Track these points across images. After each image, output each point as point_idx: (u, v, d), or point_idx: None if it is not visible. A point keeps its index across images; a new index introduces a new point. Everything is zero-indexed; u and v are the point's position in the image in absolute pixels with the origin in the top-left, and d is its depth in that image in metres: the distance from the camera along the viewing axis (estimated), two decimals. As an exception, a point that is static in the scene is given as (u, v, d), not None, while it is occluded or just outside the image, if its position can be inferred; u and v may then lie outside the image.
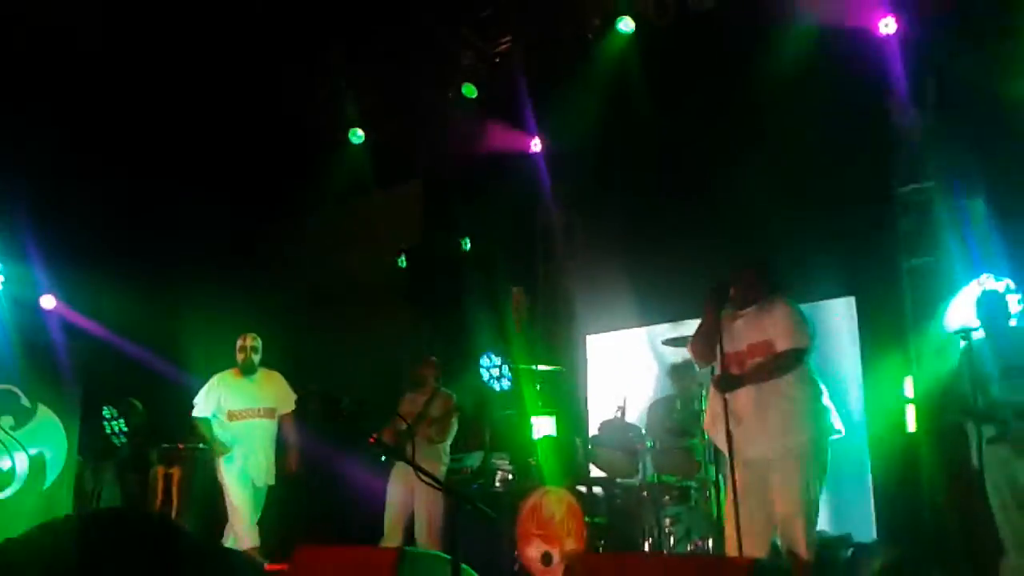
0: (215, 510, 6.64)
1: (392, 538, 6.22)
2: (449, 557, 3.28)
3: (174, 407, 7.14)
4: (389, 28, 8.16)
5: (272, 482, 6.59)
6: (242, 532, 6.25)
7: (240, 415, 6.63)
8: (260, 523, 6.30)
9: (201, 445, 6.98)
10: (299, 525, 6.78)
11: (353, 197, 9.31)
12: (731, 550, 4.22)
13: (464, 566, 3.46)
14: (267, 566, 4.23)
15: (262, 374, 6.79)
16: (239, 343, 6.72)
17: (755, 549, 4.13)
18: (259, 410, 6.67)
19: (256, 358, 6.75)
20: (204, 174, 8.36)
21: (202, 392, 6.68)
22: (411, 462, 3.47)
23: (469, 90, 8.25)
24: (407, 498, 6.30)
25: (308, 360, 7.81)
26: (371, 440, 3.31)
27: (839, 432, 4.40)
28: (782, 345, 4.34)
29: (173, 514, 7.29)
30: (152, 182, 7.97)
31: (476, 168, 8.58)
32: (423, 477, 3.39)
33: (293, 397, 6.65)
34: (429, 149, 8.88)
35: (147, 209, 8.18)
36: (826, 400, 4.41)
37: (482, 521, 6.00)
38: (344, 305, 9.09)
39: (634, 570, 3.24)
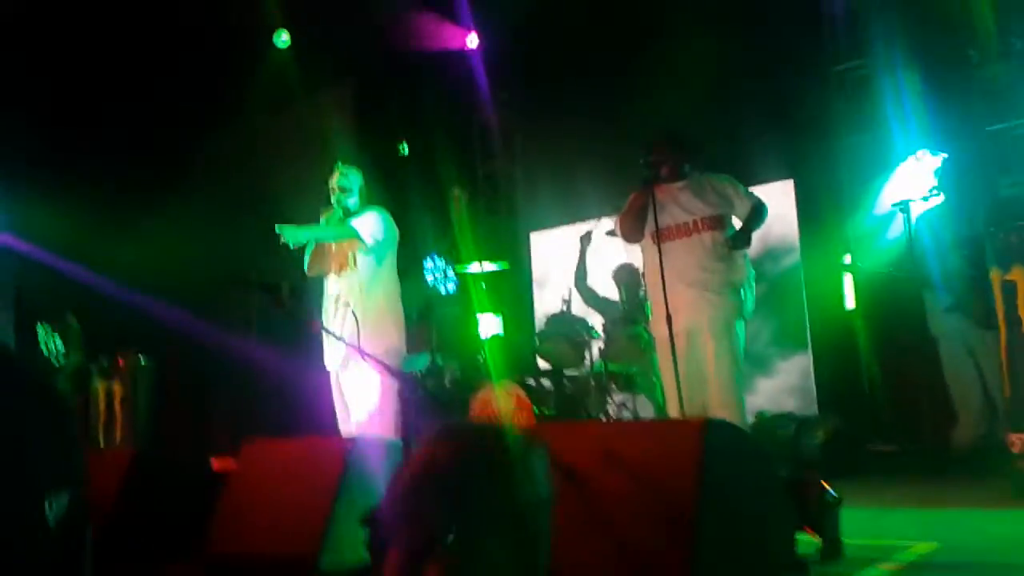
0: (162, 422, 6.53)
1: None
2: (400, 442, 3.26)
3: (109, 318, 6.95)
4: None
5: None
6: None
7: (323, 268, 5.01)
8: (204, 420, 5.75)
9: None
10: (249, 422, 6.65)
11: (284, 102, 9.02)
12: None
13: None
14: (215, 463, 4.18)
15: (358, 215, 5.05)
16: (329, 184, 5.15)
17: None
18: (338, 256, 4.98)
19: (350, 199, 5.05)
20: (125, 81, 8.02)
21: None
22: (355, 345, 3.40)
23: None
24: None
25: (248, 265, 7.65)
26: (313, 328, 3.20)
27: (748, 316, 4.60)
28: (743, 209, 4.57)
29: (118, 432, 7.18)
30: (72, 90, 7.63)
31: (409, 67, 8.36)
32: (371, 362, 3.32)
33: (374, 228, 4.94)
34: (359, 48, 8.58)
35: (68, 120, 7.85)
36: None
37: (432, 418, 6.09)
38: (279, 211, 8.88)
39: (585, 434, 3.25)
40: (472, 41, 8.36)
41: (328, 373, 5.03)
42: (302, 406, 7.00)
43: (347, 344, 3.45)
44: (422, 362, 7.26)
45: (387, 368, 3.33)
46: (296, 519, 3.44)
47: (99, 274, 7.50)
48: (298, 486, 3.53)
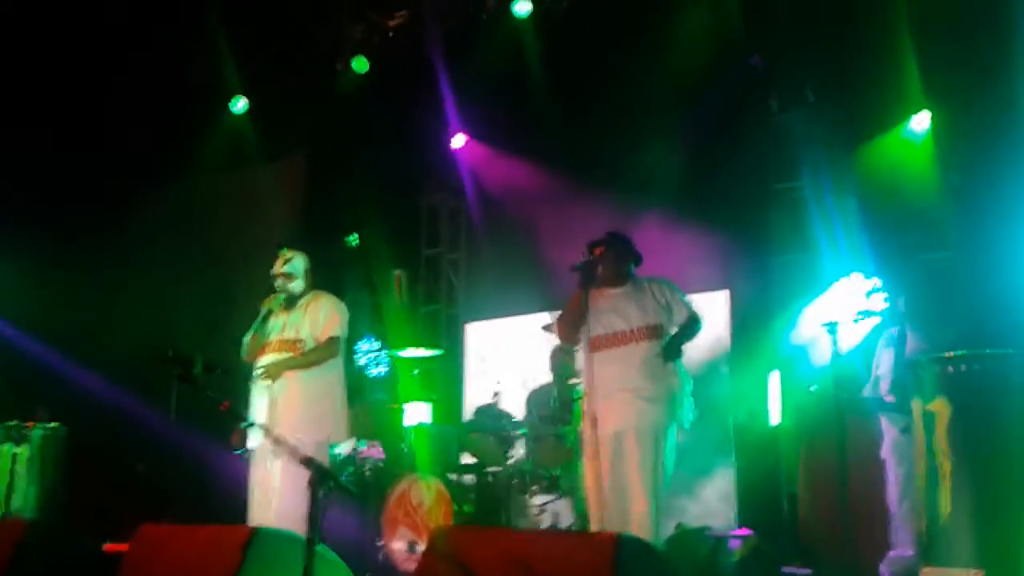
0: (59, 490, 6.23)
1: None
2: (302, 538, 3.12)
3: (20, 378, 6.69)
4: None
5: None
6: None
7: (261, 352, 5.02)
8: (99, 502, 5.54)
9: None
10: (150, 505, 6.38)
11: (235, 169, 8.96)
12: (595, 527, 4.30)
13: (323, 547, 3.31)
14: (107, 546, 3.97)
15: (309, 300, 5.14)
16: (272, 271, 5.17)
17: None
18: (277, 343, 5.03)
19: (295, 285, 5.11)
20: (62, 129, 7.88)
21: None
22: (268, 431, 3.28)
23: (360, 64, 8.01)
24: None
25: (183, 336, 7.47)
26: (223, 407, 3.06)
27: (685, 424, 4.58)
28: (679, 317, 4.60)
29: (5, 491, 6.84)
30: (5, 136, 7.46)
31: (362, 146, 8.38)
32: (281, 449, 3.20)
33: (336, 322, 5.09)
34: (315, 124, 8.59)
35: (12, 171, 7.67)
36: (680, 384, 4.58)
37: (349, 509, 5.90)
38: (222, 277, 8.75)
39: (496, 543, 3.18)
40: (459, 141, 8.42)
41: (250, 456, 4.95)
42: (219, 490, 6.77)
43: (256, 428, 3.33)
44: (344, 447, 7.09)
45: (298, 455, 3.21)
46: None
47: (17, 331, 7.26)
48: (192, 577, 3.37)
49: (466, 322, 8.44)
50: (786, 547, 5.94)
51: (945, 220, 5.83)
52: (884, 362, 5.42)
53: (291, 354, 4.99)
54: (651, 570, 3.07)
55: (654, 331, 4.55)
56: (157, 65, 7.97)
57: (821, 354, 5.78)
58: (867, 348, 5.75)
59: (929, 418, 4.35)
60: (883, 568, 5.18)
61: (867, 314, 5.70)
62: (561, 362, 6.34)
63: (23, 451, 6.93)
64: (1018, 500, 3.77)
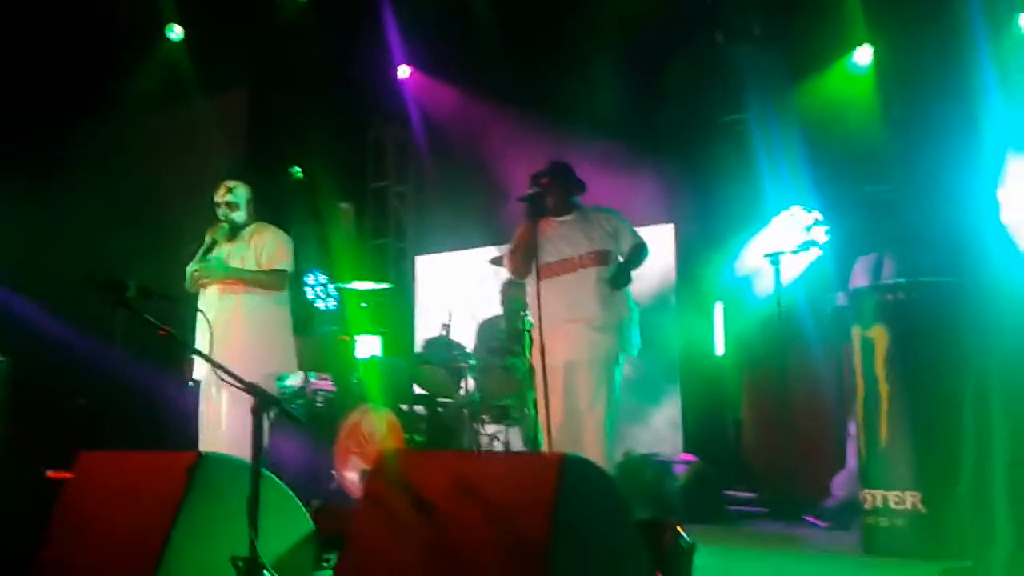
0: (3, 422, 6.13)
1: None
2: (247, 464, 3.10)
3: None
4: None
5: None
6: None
7: (206, 283, 4.89)
8: (44, 434, 5.44)
9: None
10: (100, 436, 6.29)
11: (173, 100, 8.70)
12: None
13: (269, 474, 3.30)
14: (49, 474, 3.93)
15: (253, 232, 5.01)
16: (215, 200, 4.99)
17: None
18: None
19: (238, 215, 4.96)
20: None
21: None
22: (208, 358, 3.22)
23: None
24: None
25: (125, 267, 7.30)
26: (161, 332, 3.00)
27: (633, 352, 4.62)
28: (626, 245, 4.63)
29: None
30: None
31: (306, 77, 8.19)
32: (223, 376, 3.16)
33: (283, 254, 4.95)
34: (256, 54, 8.35)
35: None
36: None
37: (301, 439, 5.91)
38: (161, 213, 8.56)
39: (442, 464, 3.17)
40: (404, 72, 8.28)
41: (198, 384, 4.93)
42: (170, 421, 6.69)
43: (200, 356, 3.29)
44: (295, 379, 7.07)
45: (243, 384, 3.18)
46: (132, 539, 3.25)
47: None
48: (136, 503, 3.34)
49: (416, 255, 8.40)
50: (731, 472, 6.10)
51: (887, 153, 5.90)
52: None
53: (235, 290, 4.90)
54: (596, 489, 3.09)
55: (602, 257, 4.56)
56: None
57: (764, 285, 5.87)
58: (808, 279, 5.85)
59: (868, 344, 4.46)
60: (834, 487, 5.32)
61: (808, 245, 5.79)
62: (511, 295, 6.35)
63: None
64: (954, 423, 3.87)
